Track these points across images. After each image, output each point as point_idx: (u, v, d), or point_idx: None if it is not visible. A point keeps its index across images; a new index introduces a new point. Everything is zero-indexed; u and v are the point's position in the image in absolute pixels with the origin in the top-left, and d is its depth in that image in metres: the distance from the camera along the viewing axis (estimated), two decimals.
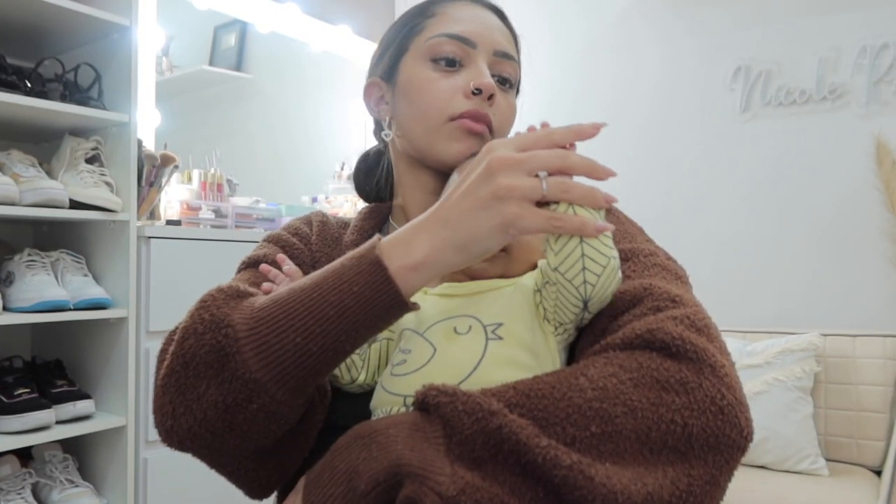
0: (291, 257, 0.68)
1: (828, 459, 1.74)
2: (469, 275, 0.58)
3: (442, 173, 0.69)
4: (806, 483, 1.64)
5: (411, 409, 0.48)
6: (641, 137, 2.37)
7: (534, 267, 0.61)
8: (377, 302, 0.47)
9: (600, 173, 0.48)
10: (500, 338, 0.52)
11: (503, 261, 0.57)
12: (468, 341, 0.52)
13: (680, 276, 0.57)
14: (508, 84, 0.70)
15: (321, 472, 0.46)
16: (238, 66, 2.45)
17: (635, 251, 0.58)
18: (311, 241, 0.72)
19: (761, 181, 2.15)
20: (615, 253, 0.49)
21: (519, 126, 0.79)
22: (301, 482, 0.49)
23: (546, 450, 0.41)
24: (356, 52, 2.63)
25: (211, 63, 2.44)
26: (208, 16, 2.30)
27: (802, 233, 2.07)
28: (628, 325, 0.49)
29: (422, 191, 0.71)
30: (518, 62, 0.72)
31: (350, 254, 0.50)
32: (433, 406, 0.44)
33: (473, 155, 0.63)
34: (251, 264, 0.67)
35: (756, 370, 1.80)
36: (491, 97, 0.66)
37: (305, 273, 0.67)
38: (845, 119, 2.02)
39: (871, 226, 1.96)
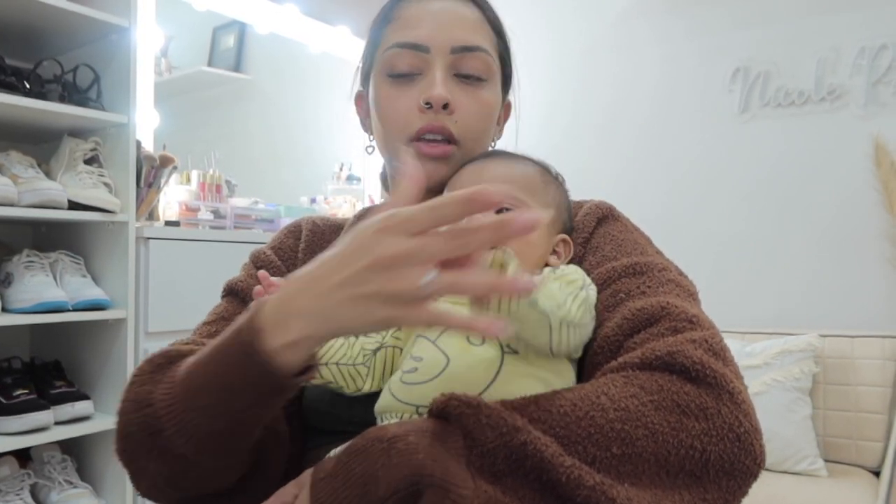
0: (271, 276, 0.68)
1: (826, 460, 1.74)
2: None
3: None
4: (805, 484, 1.64)
5: (424, 416, 0.47)
6: (641, 138, 2.37)
7: (544, 265, 0.60)
8: (262, 385, 0.46)
9: (509, 232, 0.40)
10: (516, 352, 0.51)
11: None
12: (483, 353, 0.51)
13: (692, 293, 0.57)
14: (476, 78, 0.65)
15: (333, 473, 0.45)
16: (237, 67, 2.44)
17: (649, 265, 0.58)
18: (297, 252, 0.71)
19: (760, 182, 2.15)
20: (559, 312, 0.47)
21: (515, 121, 0.78)
22: (306, 477, 0.48)
23: (570, 469, 0.42)
24: (355, 52, 2.63)
25: (210, 64, 2.44)
26: (207, 17, 2.29)
27: (801, 233, 2.08)
28: (647, 345, 0.49)
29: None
30: (490, 49, 0.66)
31: (233, 327, 0.47)
32: (455, 416, 0.44)
33: (442, 183, 0.63)
34: (230, 292, 0.68)
35: (755, 371, 1.79)
36: (446, 106, 0.62)
37: None
38: (844, 120, 2.02)
39: (869, 227, 1.96)
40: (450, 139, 0.64)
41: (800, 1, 2.09)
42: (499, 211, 0.59)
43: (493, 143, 0.73)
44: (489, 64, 0.65)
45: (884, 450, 1.73)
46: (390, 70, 0.65)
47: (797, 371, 1.77)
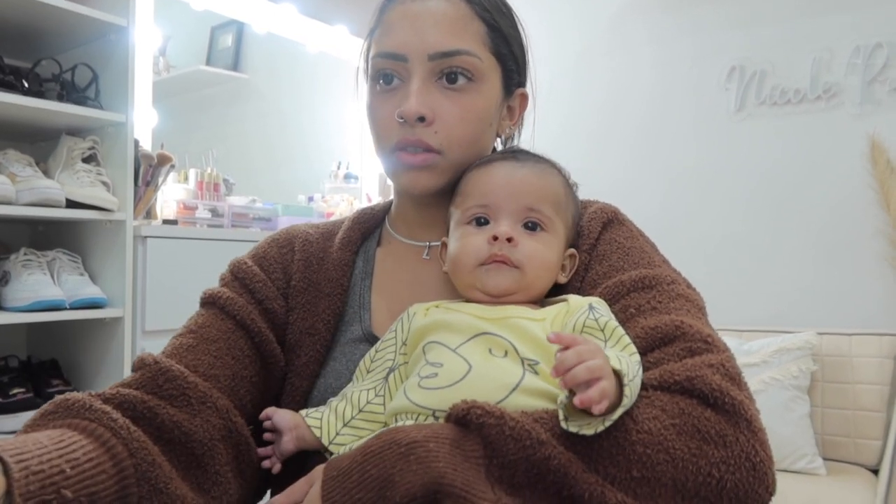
0: (250, 293, 0.65)
1: (825, 459, 1.74)
2: (489, 296, 0.58)
3: (414, 196, 0.67)
4: (803, 482, 1.64)
5: (440, 420, 0.48)
6: (637, 137, 2.37)
7: (552, 283, 0.60)
8: None
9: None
10: (536, 373, 0.51)
11: (521, 286, 0.58)
12: (506, 364, 0.51)
13: (701, 308, 0.57)
14: (464, 78, 0.62)
15: (347, 472, 0.45)
16: (235, 67, 2.45)
17: (658, 278, 0.57)
18: (290, 265, 0.69)
19: (757, 180, 2.15)
20: (630, 396, 0.45)
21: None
22: (318, 473, 0.48)
23: (594, 486, 0.43)
24: (352, 52, 2.63)
25: (208, 63, 2.44)
26: (205, 16, 2.29)
27: (798, 232, 2.08)
28: (664, 366, 0.49)
29: (405, 207, 0.71)
30: (474, 49, 0.62)
31: None
32: (476, 425, 0.44)
33: (435, 188, 0.63)
34: (206, 302, 0.65)
35: (753, 369, 1.79)
36: (423, 119, 0.61)
37: (266, 309, 0.65)
38: (840, 118, 2.02)
39: (866, 225, 1.97)
40: (430, 149, 0.62)
41: (795, 0, 2.09)
42: (527, 224, 0.59)
43: (503, 140, 0.73)
44: (475, 65, 0.62)
45: (882, 448, 1.73)
46: (375, 78, 0.65)
47: (795, 369, 1.77)
